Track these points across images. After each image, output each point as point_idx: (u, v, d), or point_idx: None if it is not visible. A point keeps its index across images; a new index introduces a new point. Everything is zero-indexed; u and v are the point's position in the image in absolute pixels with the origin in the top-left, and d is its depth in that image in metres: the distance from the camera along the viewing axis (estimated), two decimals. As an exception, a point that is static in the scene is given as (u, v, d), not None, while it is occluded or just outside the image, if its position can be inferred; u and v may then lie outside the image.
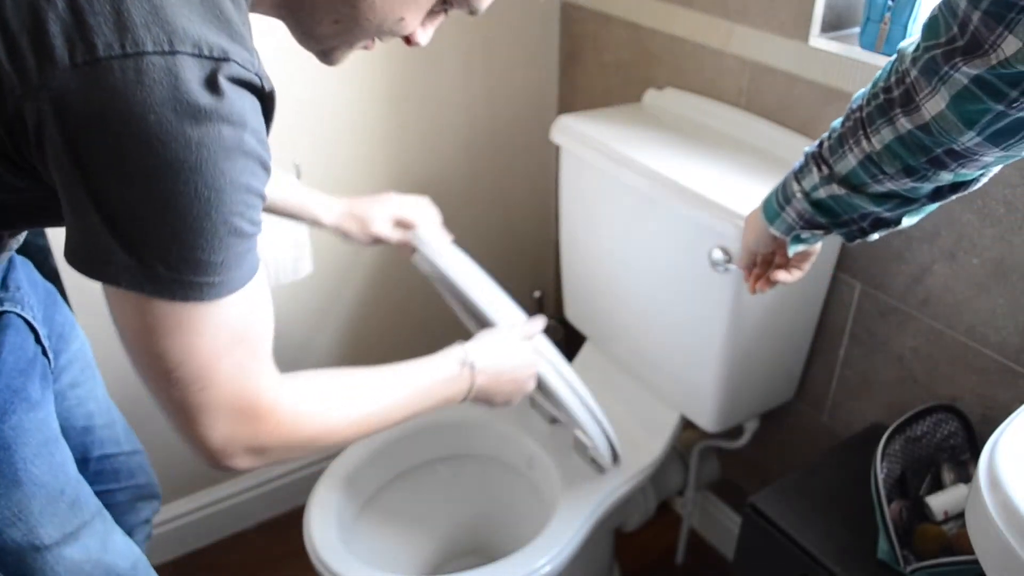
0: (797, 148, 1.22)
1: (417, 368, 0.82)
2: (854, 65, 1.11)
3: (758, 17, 1.23)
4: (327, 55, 0.69)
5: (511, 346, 0.91)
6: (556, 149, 1.40)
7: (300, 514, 1.26)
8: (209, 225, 0.54)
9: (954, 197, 0.76)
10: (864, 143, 0.73)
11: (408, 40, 0.68)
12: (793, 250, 0.88)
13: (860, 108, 0.73)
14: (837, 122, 0.77)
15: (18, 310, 0.79)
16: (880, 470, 1.02)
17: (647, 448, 1.34)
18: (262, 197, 0.58)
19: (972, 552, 0.66)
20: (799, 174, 0.82)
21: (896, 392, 1.23)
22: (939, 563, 0.93)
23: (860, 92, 0.74)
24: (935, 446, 1.10)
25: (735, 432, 1.41)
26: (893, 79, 0.69)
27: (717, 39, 1.30)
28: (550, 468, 1.34)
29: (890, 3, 1.03)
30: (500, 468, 1.44)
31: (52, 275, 1.13)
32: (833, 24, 1.15)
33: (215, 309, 0.58)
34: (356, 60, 1.42)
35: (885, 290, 1.19)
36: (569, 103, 1.70)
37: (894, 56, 0.70)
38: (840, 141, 0.76)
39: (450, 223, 1.71)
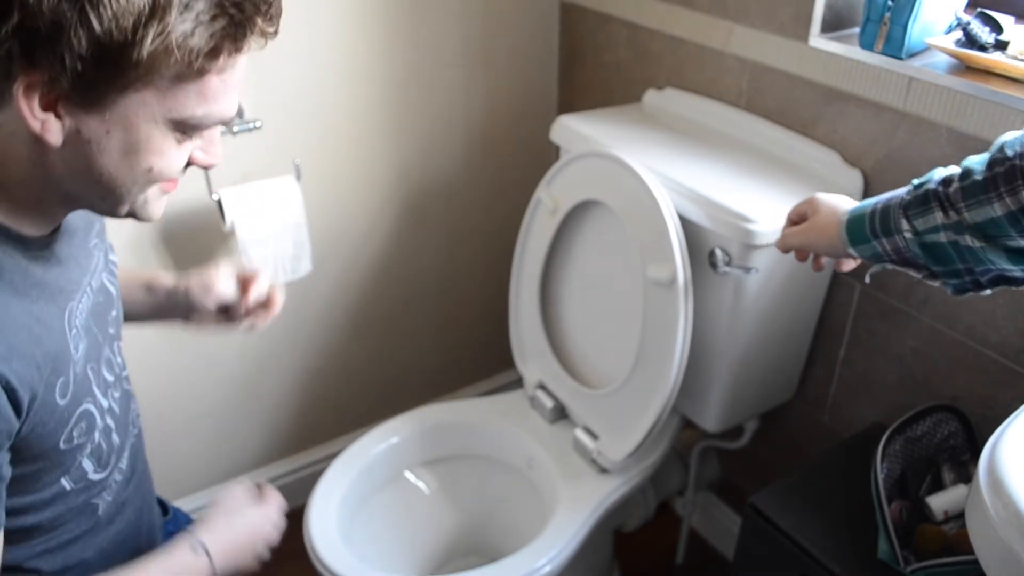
0: (797, 148, 1.22)
1: (155, 565, 0.79)
2: (854, 65, 1.11)
3: (758, 17, 1.23)
4: (135, 216, 0.69)
5: (238, 519, 0.89)
6: (556, 149, 1.40)
7: (300, 514, 1.26)
8: None
9: None
10: (1023, 194, 0.66)
11: (205, 167, 0.69)
12: (872, 273, 0.84)
13: (1018, 156, 0.67)
14: (975, 163, 0.70)
15: None
16: (880, 470, 1.02)
17: (647, 448, 1.34)
18: None
19: (972, 552, 0.66)
20: (910, 211, 0.74)
21: (896, 392, 1.23)
22: (939, 563, 0.93)
23: (1014, 137, 0.69)
24: (935, 446, 1.10)
25: (735, 432, 1.41)
26: None
27: (717, 39, 1.30)
28: (550, 468, 1.34)
29: (890, 3, 1.03)
30: (500, 468, 1.44)
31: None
32: (833, 24, 1.15)
33: None
34: (356, 60, 1.43)
35: (885, 290, 1.19)
36: (569, 103, 1.70)
37: None
38: (983, 187, 0.68)
39: (450, 223, 1.72)
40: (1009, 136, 0.70)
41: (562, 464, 1.34)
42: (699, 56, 1.36)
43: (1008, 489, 0.60)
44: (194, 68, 0.58)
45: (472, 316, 1.88)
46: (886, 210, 0.77)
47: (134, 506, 0.88)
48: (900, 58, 1.04)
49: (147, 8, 0.54)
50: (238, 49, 0.61)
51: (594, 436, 1.34)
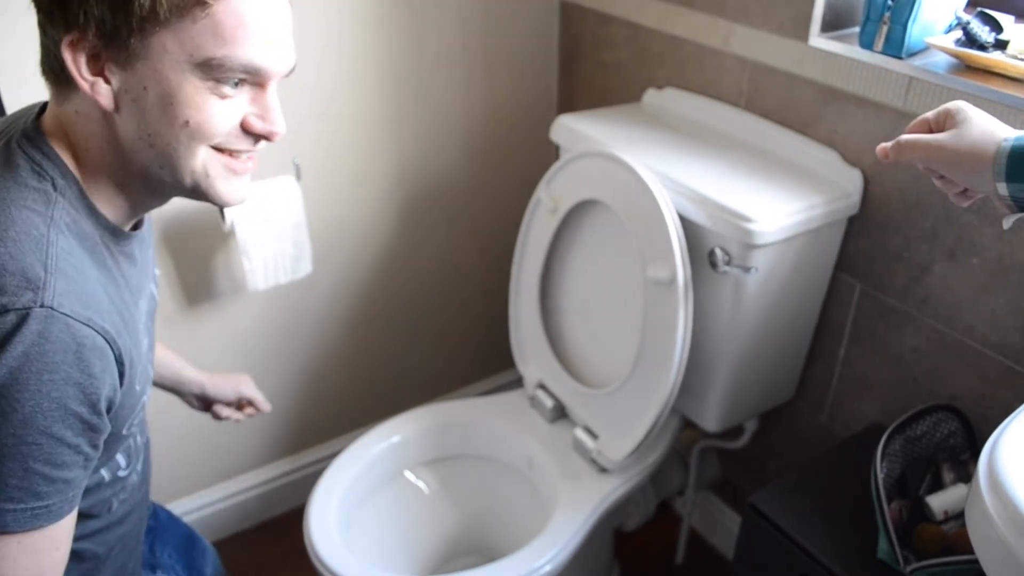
0: (797, 148, 1.22)
1: None
2: (854, 65, 1.11)
3: (758, 17, 1.23)
4: (203, 193, 0.71)
5: None
6: (556, 149, 1.40)
7: (300, 514, 1.26)
8: None
9: None
10: None
11: (266, 137, 0.70)
12: (1012, 221, 0.69)
13: None
14: None
15: None
16: (880, 470, 1.02)
17: (647, 448, 1.34)
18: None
19: (972, 552, 0.66)
20: None
21: (896, 392, 1.23)
22: (939, 563, 0.94)
23: None
24: (935, 446, 1.10)
25: (735, 432, 1.41)
26: None
27: (717, 39, 1.31)
28: (550, 468, 1.34)
29: (890, 3, 1.03)
30: (500, 468, 1.44)
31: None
32: (833, 24, 1.15)
33: None
34: (356, 60, 1.43)
35: (885, 290, 1.19)
36: (569, 103, 1.70)
37: None
38: None
39: (450, 222, 1.72)
40: None
41: (562, 464, 1.34)
42: (699, 56, 1.36)
43: (1008, 489, 0.60)
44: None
45: (472, 316, 1.88)
46: None
47: (140, 512, 0.91)
48: (900, 58, 1.04)
49: None
50: None
51: (594, 436, 1.34)
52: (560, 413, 1.43)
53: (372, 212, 1.60)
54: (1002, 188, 0.67)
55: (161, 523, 1.06)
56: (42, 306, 0.60)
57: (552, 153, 1.72)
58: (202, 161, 0.68)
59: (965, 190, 0.74)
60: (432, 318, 1.82)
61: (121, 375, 0.67)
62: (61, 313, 0.60)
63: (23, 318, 0.59)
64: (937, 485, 1.06)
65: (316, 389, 1.73)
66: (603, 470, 1.32)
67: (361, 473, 1.33)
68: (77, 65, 0.63)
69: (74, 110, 0.67)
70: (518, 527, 1.38)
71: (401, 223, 1.65)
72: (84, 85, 0.63)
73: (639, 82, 1.50)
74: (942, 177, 0.74)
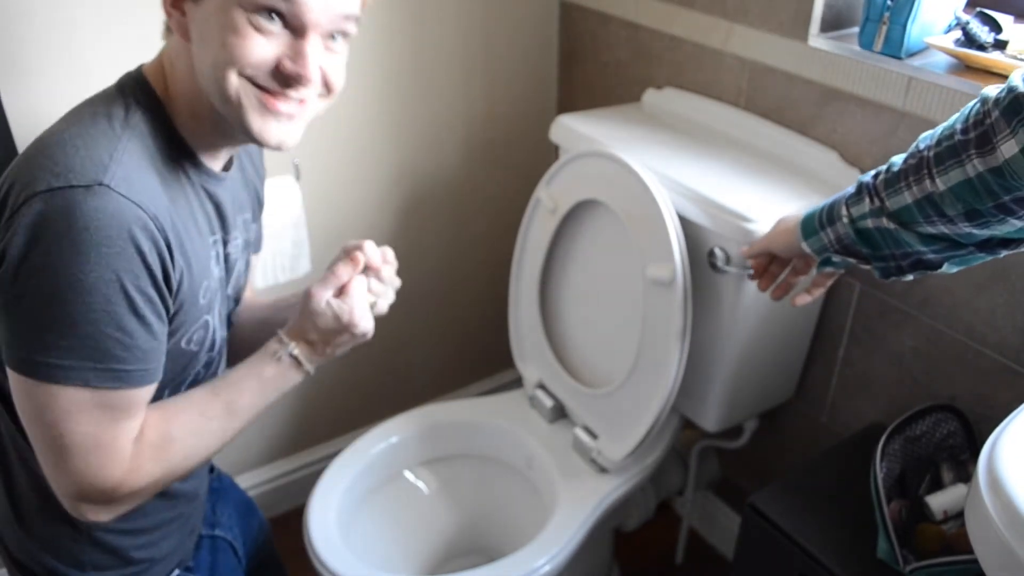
0: (796, 148, 1.22)
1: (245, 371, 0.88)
2: (853, 65, 1.11)
3: (757, 17, 1.23)
4: (250, 132, 0.74)
5: (304, 306, 0.90)
6: (556, 149, 1.40)
7: (300, 514, 1.26)
8: None
9: (1005, 253, 0.78)
10: (927, 183, 0.73)
11: (297, 80, 0.73)
12: (820, 270, 0.93)
13: (928, 148, 0.73)
14: (898, 158, 0.78)
15: (228, 537, 1.04)
16: (879, 469, 1.02)
17: (647, 448, 1.34)
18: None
19: (971, 551, 0.66)
20: (849, 200, 0.83)
21: (896, 392, 1.23)
22: (938, 562, 0.94)
23: (928, 133, 0.75)
24: (934, 446, 1.10)
25: (735, 432, 1.41)
26: (972, 121, 0.69)
27: (716, 39, 1.31)
28: (550, 468, 1.34)
29: (889, 3, 1.03)
30: (500, 468, 1.44)
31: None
32: (832, 24, 1.15)
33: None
34: (356, 60, 1.42)
35: (885, 290, 1.19)
36: (569, 103, 1.70)
37: (976, 100, 0.70)
38: (898, 177, 0.77)
39: (449, 222, 1.72)
40: (927, 132, 0.75)
41: (562, 463, 1.34)
42: (698, 56, 1.36)
43: (1007, 488, 0.61)
44: None
45: (471, 315, 1.88)
46: (834, 204, 0.86)
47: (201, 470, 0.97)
48: (899, 57, 1.04)
49: None
50: None
51: (594, 435, 1.34)
52: (560, 413, 1.43)
53: (371, 211, 1.60)
54: (804, 246, 0.89)
55: (224, 486, 1.11)
56: (100, 184, 0.66)
57: (552, 153, 1.72)
58: (235, 88, 0.71)
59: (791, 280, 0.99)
60: (432, 318, 1.82)
61: (172, 259, 0.71)
62: (116, 192, 0.67)
63: (84, 193, 0.66)
64: (937, 485, 1.06)
65: (316, 389, 1.73)
66: (603, 470, 1.32)
67: (361, 473, 1.33)
68: (165, 1, 0.72)
69: (171, 46, 0.76)
70: (518, 527, 1.38)
71: (400, 222, 1.65)
72: (170, 20, 0.73)
73: (639, 82, 1.50)
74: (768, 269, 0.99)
